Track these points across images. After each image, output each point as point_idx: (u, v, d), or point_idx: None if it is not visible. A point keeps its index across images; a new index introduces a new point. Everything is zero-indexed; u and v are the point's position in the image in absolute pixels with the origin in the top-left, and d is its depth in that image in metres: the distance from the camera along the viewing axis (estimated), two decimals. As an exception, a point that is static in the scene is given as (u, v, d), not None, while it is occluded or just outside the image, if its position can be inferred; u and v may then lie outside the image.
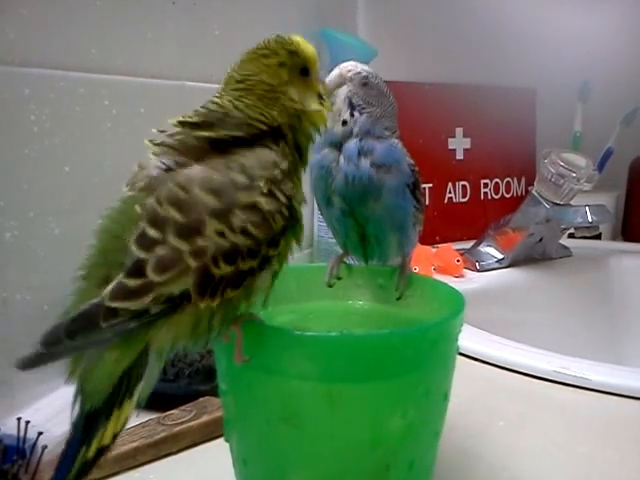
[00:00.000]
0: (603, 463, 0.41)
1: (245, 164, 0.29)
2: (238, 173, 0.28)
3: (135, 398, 0.27)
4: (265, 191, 0.28)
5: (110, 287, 0.26)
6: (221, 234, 0.27)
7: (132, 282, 0.26)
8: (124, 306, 0.25)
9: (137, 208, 0.27)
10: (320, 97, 0.34)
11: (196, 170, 0.28)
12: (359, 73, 0.41)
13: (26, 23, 0.46)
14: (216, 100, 0.31)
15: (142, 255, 0.26)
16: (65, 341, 0.25)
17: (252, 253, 0.28)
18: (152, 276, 0.26)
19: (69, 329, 0.25)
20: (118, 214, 0.28)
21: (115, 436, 0.27)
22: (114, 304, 0.25)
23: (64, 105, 0.50)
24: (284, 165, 0.30)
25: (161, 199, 0.27)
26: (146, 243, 0.26)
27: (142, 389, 0.27)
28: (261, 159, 0.30)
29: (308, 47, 0.33)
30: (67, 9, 0.50)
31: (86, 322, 0.25)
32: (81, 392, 0.27)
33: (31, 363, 0.25)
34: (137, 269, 0.26)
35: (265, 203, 0.28)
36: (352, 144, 0.40)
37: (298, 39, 0.33)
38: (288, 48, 0.32)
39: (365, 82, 0.41)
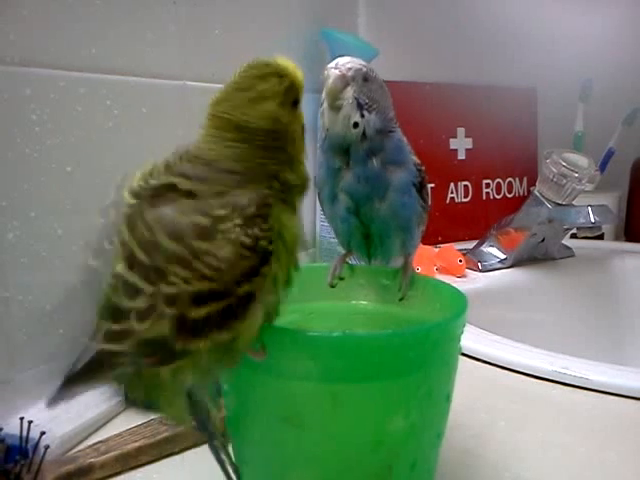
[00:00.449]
0: (604, 463, 0.41)
1: (213, 205, 0.28)
2: (202, 216, 0.27)
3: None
4: (227, 236, 0.27)
5: (102, 332, 0.28)
6: (184, 280, 0.26)
7: (116, 327, 0.27)
8: (108, 347, 0.27)
9: (119, 247, 0.28)
10: (302, 128, 0.32)
11: (164, 211, 0.28)
12: (359, 70, 0.39)
13: (27, 23, 0.46)
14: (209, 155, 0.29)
15: (127, 304, 0.27)
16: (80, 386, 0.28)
17: (219, 295, 0.27)
18: (134, 323, 0.27)
19: (78, 378, 0.28)
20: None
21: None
22: (101, 345, 0.27)
23: (65, 105, 0.50)
24: (254, 208, 0.28)
25: (134, 240, 0.28)
26: (130, 291, 0.27)
27: None
28: (233, 201, 0.28)
29: (299, 73, 0.30)
30: (68, 9, 0.50)
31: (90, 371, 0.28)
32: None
33: (54, 401, 0.28)
34: (121, 315, 0.27)
35: (224, 248, 0.27)
36: (364, 147, 0.39)
37: (289, 65, 0.30)
38: (286, 84, 0.29)
39: (366, 77, 0.39)
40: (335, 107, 0.38)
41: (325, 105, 0.39)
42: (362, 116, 0.39)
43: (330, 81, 0.38)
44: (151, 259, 0.27)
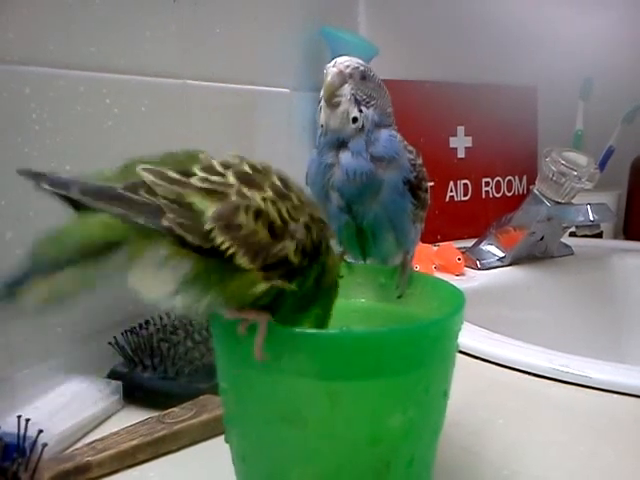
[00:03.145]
0: (603, 461, 0.41)
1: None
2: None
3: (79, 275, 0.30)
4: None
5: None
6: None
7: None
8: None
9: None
10: None
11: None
12: (357, 68, 0.40)
13: (26, 21, 0.46)
14: None
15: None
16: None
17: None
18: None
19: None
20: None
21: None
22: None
23: (65, 104, 0.50)
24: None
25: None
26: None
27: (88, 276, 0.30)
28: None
29: None
30: (67, 7, 0.50)
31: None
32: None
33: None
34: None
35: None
36: (360, 139, 0.40)
37: None
38: None
39: (364, 75, 0.41)
40: (333, 104, 0.40)
41: (323, 102, 0.40)
42: (360, 111, 0.40)
43: (328, 78, 0.40)
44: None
